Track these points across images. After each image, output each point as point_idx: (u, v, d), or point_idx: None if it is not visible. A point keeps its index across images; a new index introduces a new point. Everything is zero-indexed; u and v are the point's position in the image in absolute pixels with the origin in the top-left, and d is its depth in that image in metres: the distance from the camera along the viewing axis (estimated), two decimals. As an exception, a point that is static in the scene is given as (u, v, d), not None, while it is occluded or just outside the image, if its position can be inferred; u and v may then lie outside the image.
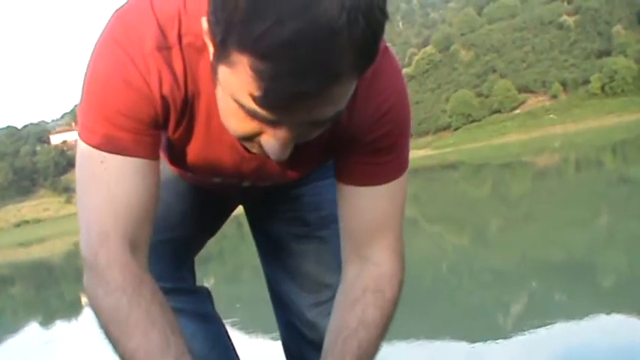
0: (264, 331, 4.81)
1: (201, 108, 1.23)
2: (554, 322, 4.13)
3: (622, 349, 3.45)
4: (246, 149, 1.26)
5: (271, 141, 1.04)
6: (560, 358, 3.51)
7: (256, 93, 0.93)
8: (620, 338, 3.66)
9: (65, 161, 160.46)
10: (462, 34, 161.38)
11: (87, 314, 9.22)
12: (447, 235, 9.96)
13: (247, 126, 1.03)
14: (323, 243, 1.79)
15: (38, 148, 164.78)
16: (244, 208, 1.85)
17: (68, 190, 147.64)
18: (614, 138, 39.90)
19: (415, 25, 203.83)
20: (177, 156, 1.38)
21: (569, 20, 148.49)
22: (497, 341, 3.90)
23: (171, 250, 1.77)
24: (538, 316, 4.49)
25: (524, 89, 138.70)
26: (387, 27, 0.94)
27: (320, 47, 0.86)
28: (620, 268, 5.75)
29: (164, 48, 1.14)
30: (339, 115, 1.02)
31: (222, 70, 0.98)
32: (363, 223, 1.37)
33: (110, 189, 1.19)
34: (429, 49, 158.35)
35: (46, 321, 9.63)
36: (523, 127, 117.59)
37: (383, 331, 1.37)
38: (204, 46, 1.10)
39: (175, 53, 1.15)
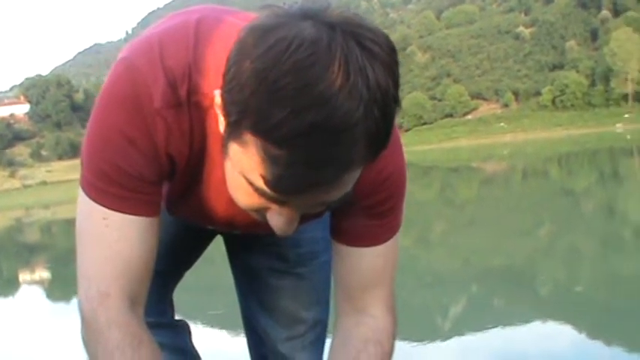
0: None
1: (204, 164, 1.22)
2: (491, 327, 4.19)
3: (555, 356, 3.52)
4: None
5: (277, 217, 1.05)
6: (495, 362, 3.57)
7: (268, 176, 0.93)
8: (554, 346, 3.74)
9: (11, 134, 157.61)
10: (420, 37, 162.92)
11: (24, 291, 9.08)
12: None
13: (254, 201, 1.03)
14: (300, 279, 1.81)
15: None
16: (224, 238, 1.85)
17: (13, 164, 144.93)
18: (560, 150, 40.67)
19: (374, 24, 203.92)
20: (174, 205, 1.38)
21: (526, 31, 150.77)
22: (435, 342, 3.95)
23: (154, 283, 1.77)
24: (476, 319, 4.57)
25: (477, 96, 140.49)
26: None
27: (335, 139, 0.87)
28: (559, 278, 5.86)
29: (173, 105, 1.12)
30: (346, 197, 1.03)
31: (233, 147, 0.97)
32: (360, 281, 1.38)
33: (112, 247, 1.18)
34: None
35: (-19, 296, 9.45)
36: (473, 132, 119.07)
37: None
38: (210, 105, 1.09)
39: (183, 110, 1.13)
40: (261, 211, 1.06)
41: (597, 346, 3.68)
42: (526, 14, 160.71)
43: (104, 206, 1.16)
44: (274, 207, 1.02)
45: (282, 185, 0.93)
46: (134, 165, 1.14)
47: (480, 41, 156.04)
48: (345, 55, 0.86)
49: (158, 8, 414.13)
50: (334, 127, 0.86)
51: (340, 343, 1.40)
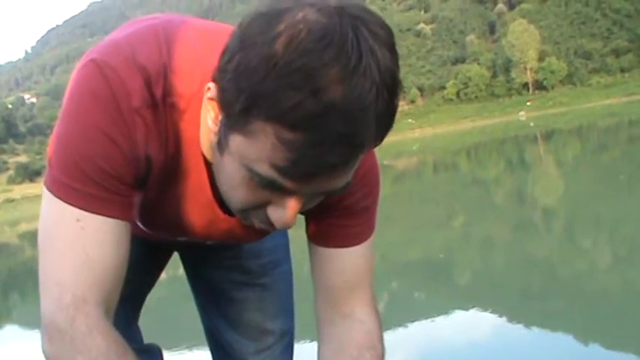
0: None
1: (179, 169, 1.18)
2: (415, 320, 4.24)
3: (478, 343, 3.58)
4: (224, 212, 1.24)
5: (280, 211, 1.03)
6: (421, 354, 3.60)
7: (281, 163, 0.91)
8: (476, 332, 3.80)
9: None
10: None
11: None
12: (305, 236, 9.86)
13: (256, 196, 1.02)
14: (264, 290, 1.79)
15: None
16: (180, 254, 1.81)
17: None
18: (468, 142, 41.57)
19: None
20: (146, 215, 1.31)
21: (427, 28, 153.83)
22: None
23: (121, 308, 1.69)
24: (399, 314, 4.61)
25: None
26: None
27: (351, 120, 0.87)
28: (475, 266, 5.98)
29: (150, 105, 1.07)
30: (348, 185, 1.03)
31: (236, 139, 0.95)
32: (344, 283, 1.36)
33: (87, 252, 1.11)
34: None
35: None
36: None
37: None
38: (186, 108, 1.08)
39: (160, 111, 1.09)
40: (260, 208, 1.04)
41: (518, 328, 3.76)
42: (426, 11, 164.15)
43: (80, 208, 1.10)
44: (277, 200, 1.01)
45: (296, 170, 0.92)
46: (114, 165, 1.08)
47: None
48: (356, 37, 0.87)
49: (57, 25, 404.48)
50: (350, 107, 0.86)
51: (333, 353, 1.37)
